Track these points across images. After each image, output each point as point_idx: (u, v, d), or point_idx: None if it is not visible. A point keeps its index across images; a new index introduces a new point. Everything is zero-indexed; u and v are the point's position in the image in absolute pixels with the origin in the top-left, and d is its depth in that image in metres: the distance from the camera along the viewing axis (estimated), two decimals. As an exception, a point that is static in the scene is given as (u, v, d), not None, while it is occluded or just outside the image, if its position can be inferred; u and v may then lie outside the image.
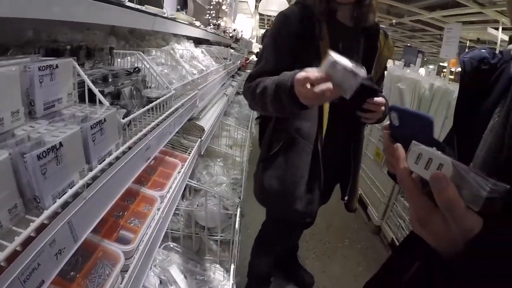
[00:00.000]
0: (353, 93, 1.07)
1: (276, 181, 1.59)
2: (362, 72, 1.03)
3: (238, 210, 2.11)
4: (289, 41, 1.50)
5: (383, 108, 1.40)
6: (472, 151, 0.83)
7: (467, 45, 13.24)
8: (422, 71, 4.22)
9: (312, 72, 1.10)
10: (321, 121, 1.50)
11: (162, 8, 1.80)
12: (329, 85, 1.05)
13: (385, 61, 1.63)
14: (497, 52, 0.91)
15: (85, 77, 0.81)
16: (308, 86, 1.10)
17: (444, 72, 7.54)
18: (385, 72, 1.65)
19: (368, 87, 1.30)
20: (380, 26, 1.60)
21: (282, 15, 1.54)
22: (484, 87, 0.87)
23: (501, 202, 0.47)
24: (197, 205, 2.01)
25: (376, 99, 1.36)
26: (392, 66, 4.10)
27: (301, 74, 1.13)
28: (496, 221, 0.50)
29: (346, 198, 1.75)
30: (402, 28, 19.57)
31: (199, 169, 2.45)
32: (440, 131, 2.56)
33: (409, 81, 3.28)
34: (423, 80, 3.21)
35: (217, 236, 2.04)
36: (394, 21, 17.06)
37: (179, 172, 1.59)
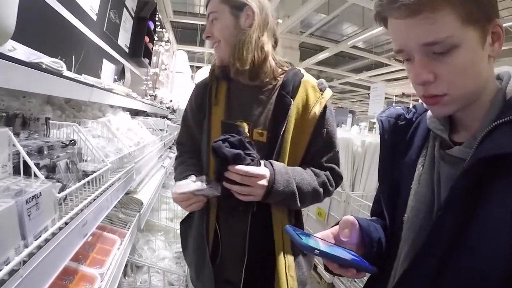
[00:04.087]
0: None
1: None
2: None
3: (185, 284, 2.02)
4: (193, 113, 1.47)
5: (258, 181, 1.15)
6: (402, 204, 0.87)
7: (394, 100, 14.53)
8: (354, 129, 4.48)
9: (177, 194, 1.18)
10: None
11: (100, 78, 1.80)
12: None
13: (316, 118, 1.30)
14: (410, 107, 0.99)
15: (21, 149, 0.79)
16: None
17: (375, 127, 8.09)
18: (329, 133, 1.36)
19: (221, 152, 1.11)
20: (320, 80, 1.37)
21: (195, 86, 1.51)
22: (404, 141, 0.93)
23: None
24: (141, 282, 1.90)
25: (239, 167, 1.11)
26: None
27: (174, 192, 1.20)
28: None
29: None
30: (333, 91, 21.10)
31: (140, 244, 2.34)
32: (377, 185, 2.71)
33: (342, 141, 3.46)
34: (354, 138, 3.41)
35: (162, 315, 1.92)
36: (325, 85, 18.45)
37: (118, 248, 1.52)
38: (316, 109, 1.29)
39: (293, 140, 1.28)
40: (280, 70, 1.35)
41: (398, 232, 0.87)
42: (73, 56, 1.82)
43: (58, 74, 1.13)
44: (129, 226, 1.80)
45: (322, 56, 12.07)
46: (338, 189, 3.15)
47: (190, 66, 10.84)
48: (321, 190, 1.31)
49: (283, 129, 1.25)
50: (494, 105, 0.72)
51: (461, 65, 0.67)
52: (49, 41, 1.73)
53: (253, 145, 1.20)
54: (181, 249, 2.65)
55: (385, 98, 4.88)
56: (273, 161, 1.23)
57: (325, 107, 1.32)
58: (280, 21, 9.68)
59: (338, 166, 1.39)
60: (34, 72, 0.96)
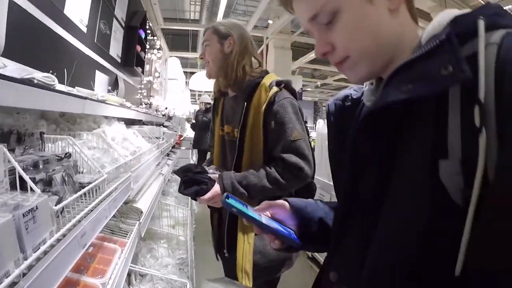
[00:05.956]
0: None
1: None
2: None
3: (187, 290, 2.03)
4: (210, 122, 2.01)
5: (218, 196, 1.54)
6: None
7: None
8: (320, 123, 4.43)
9: None
10: None
11: (93, 90, 1.82)
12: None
13: (262, 113, 1.55)
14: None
15: (16, 164, 0.80)
16: None
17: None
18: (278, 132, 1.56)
19: (186, 194, 1.55)
20: (276, 81, 1.59)
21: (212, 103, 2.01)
22: (351, 124, 0.80)
23: None
24: (144, 291, 1.91)
25: (201, 198, 1.53)
26: (322, 125, 4.28)
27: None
28: None
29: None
30: (328, 88, 21.14)
31: (142, 253, 2.35)
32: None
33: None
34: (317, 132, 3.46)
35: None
36: (319, 83, 18.47)
37: (119, 258, 1.52)
38: (264, 106, 1.54)
39: (252, 136, 1.58)
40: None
41: None
42: (65, 69, 1.83)
43: (50, 88, 1.14)
44: (130, 235, 1.81)
45: (314, 54, 12.06)
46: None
47: (184, 72, 10.85)
48: (271, 186, 1.53)
49: (239, 127, 1.59)
50: None
51: (349, 27, 0.66)
52: (40, 56, 1.74)
53: (203, 171, 1.61)
54: (183, 256, 2.68)
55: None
56: (223, 173, 1.58)
57: (270, 102, 1.54)
58: (270, 22, 9.71)
59: (299, 155, 1.53)
60: (26, 88, 0.97)
